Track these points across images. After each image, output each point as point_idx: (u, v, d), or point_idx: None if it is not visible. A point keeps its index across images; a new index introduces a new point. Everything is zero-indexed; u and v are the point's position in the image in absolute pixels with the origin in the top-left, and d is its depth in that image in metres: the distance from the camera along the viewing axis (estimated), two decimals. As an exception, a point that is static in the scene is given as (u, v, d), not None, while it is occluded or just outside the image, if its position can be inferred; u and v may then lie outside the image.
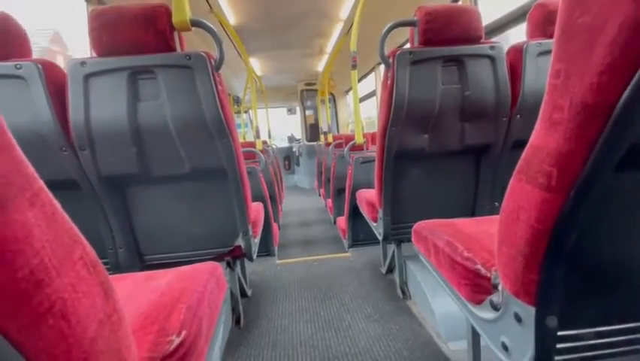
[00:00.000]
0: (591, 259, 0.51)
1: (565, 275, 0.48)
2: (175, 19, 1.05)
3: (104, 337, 0.31)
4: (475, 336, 0.90)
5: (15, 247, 0.23)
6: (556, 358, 0.52)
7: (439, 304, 1.28)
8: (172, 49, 1.07)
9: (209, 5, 2.81)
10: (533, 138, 0.47)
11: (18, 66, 0.97)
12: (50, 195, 0.28)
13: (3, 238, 0.22)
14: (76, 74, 1.02)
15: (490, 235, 0.79)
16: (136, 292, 0.68)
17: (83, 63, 1.02)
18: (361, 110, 5.60)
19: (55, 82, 1.02)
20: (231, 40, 3.54)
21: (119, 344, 0.34)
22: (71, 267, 0.28)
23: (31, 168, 0.26)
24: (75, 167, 1.10)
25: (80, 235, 0.31)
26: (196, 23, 1.08)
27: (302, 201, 4.90)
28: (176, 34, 1.09)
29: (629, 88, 0.35)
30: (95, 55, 1.06)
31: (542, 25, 1.21)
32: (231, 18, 3.30)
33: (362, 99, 5.33)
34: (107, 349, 0.31)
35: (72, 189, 1.14)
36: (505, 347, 0.59)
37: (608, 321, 0.53)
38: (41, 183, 0.27)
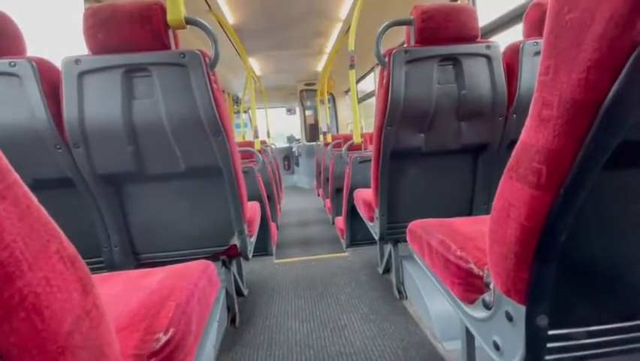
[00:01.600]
0: (581, 258, 0.51)
1: (555, 274, 0.47)
2: (170, 17, 1.05)
3: (82, 332, 0.30)
4: (470, 336, 0.90)
5: None
6: (547, 357, 0.52)
7: (435, 304, 1.28)
8: (167, 47, 1.06)
9: (208, 4, 2.81)
10: (523, 135, 0.47)
11: (12, 64, 0.97)
12: (25, 188, 0.28)
13: None
14: (71, 72, 1.02)
15: (484, 234, 0.78)
16: (127, 289, 0.68)
17: (77, 61, 1.02)
18: (364, 111, 5.62)
19: (49, 79, 1.02)
20: (230, 40, 3.54)
21: (99, 341, 0.34)
22: (46, 261, 0.27)
23: (4, 161, 0.26)
24: (69, 165, 1.10)
25: (58, 229, 0.31)
26: (191, 21, 1.07)
27: (301, 201, 4.90)
28: (171, 32, 1.09)
29: (617, 83, 0.35)
30: (89, 52, 1.06)
31: (539, 25, 1.21)
32: (230, 17, 3.30)
33: (362, 99, 5.34)
34: (85, 345, 0.31)
35: (67, 187, 1.14)
36: (497, 347, 0.59)
37: (599, 320, 0.53)
38: (16, 176, 0.27)
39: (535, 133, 0.44)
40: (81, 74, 1.03)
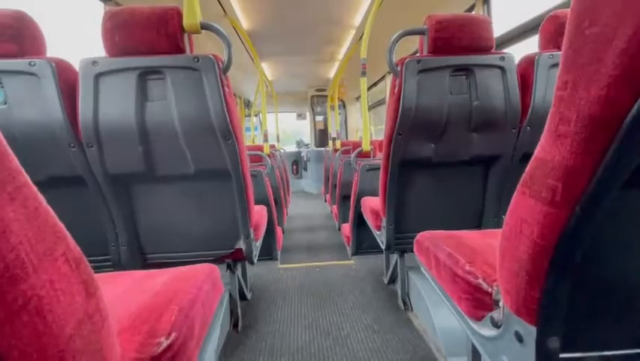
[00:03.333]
0: (596, 278, 0.49)
1: (568, 294, 0.45)
2: (186, 22, 1.06)
3: (84, 336, 0.30)
4: (476, 354, 0.87)
5: None
6: None
7: (441, 318, 1.25)
8: (181, 51, 1.08)
9: (224, 9, 2.85)
10: (538, 150, 0.46)
11: (32, 63, 0.99)
12: (35, 190, 0.28)
13: None
14: (88, 73, 1.04)
15: (494, 249, 0.77)
16: (131, 290, 0.68)
17: (94, 62, 1.04)
18: (376, 117, 5.60)
19: (67, 80, 1.04)
20: (244, 44, 3.59)
21: (100, 344, 0.33)
22: (52, 263, 0.27)
23: (15, 162, 0.26)
24: (82, 164, 1.12)
25: (65, 231, 0.31)
26: (206, 26, 1.09)
27: (308, 207, 4.89)
28: (186, 36, 1.10)
29: (639, 101, 0.34)
30: (106, 54, 1.08)
31: (554, 37, 1.19)
32: (244, 22, 3.35)
33: (372, 106, 5.33)
34: (86, 349, 0.31)
35: (78, 185, 1.16)
36: None
37: (613, 345, 0.50)
38: (26, 177, 0.27)
39: (551, 149, 0.43)
40: (98, 76, 1.05)
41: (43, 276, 0.26)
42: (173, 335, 0.52)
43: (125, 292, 0.67)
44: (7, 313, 0.23)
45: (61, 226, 0.30)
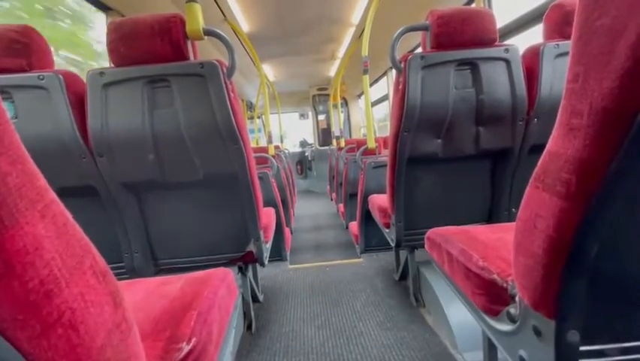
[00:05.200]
0: (615, 270, 0.48)
1: (587, 287, 0.45)
2: (188, 29, 1.07)
3: (113, 346, 0.31)
4: (492, 348, 0.87)
5: (25, 259, 0.23)
6: None
7: (454, 313, 1.25)
8: (186, 57, 1.09)
9: (223, 14, 2.87)
10: (550, 144, 0.46)
11: (41, 77, 1.01)
12: (62, 206, 0.28)
13: (14, 251, 0.22)
14: (95, 84, 1.06)
15: (507, 243, 0.76)
16: (149, 297, 0.69)
17: (101, 73, 1.06)
18: (375, 112, 5.59)
19: (75, 92, 1.06)
20: (244, 48, 3.60)
21: (128, 353, 0.34)
22: (81, 277, 0.28)
23: (43, 180, 0.27)
24: (93, 173, 1.13)
25: (91, 244, 0.32)
26: (209, 32, 1.10)
27: (314, 206, 4.90)
28: (189, 42, 1.11)
29: None
30: (112, 65, 1.09)
31: (559, 27, 1.18)
32: (245, 26, 3.36)
33: (375, 103, 5.32)
34: (116, 357, 0.31)
35: (91, 195, 1.18)
36: None
37: (635, 336, 0.50)
38: (53, 194, 0.28)
39: (564, 142, 0.43)
40: (105, 86, 1.06)
41: (75, 290, 0.27)
42: (193, 340, 0.53)
43: (143, 300, 0.68)
44: (44, 326, 0.24)
45: (87, 239, 0.31)
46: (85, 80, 1.08)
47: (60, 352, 0.25)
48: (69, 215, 0.29)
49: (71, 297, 0.26)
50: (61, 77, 1.02)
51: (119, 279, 0.82)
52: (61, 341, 0.25)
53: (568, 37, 1.20)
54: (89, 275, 0.30)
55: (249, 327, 1.44)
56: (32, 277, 0.23)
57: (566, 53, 1.16)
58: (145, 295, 0.71)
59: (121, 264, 1.29)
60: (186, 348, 0.51)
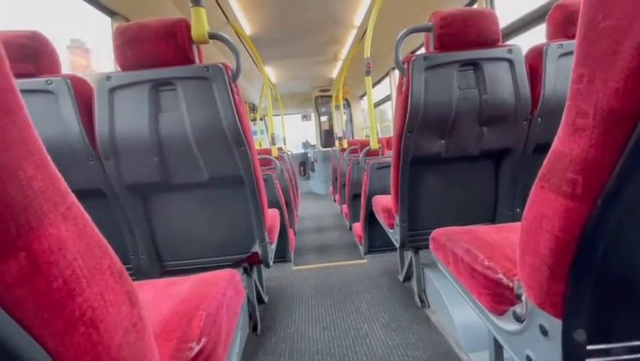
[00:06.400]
0: (621, 269, 0.49)
1: (593, 286, 0.46)
2: (194, 33, 1.09)
3: (130, 344, 0.32)
4: (498, 348, 0.87)
5: (50, 259, 0.24)
6: None
7: (459, 314, 1.25)
8: (191, 61, 1.10)
9: (226, 17, 2.89)
10: (556, 144, 0.46)
11: (49, 82, 1.03)
12: (81, 208, 0.29)
13: (40, 251, 0.23)
14: (102, 88, 1.07)
15: (512, 243, 0.77)
16: (158, 298, 0.70)
17: (108, 77, 1.07)
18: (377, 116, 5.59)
19: (82, 96, 1.07)
20: (247, 50, 3.62)
21: (143, 351, 0.35)
22: (100, 277, 0.29)
23: (64, 184, 0.28)
24: (100, 176, 1.15)
25: (108, 245, 0.33)
26: (214, 36, 1.11)
27: (317, 207, 4.91)
28: (195, 46, 1.13)
29: None
30: (119, 69, 1.11)
31: (563, 27, 1.18)
32: (247, 28, 3.38)
33: (377, 104, 5.32)
34: (132, 356, 0.32)
35: (98, 198, 1.19)
36: None
37: None
38: (73, 197, 0.29)
39: (570, 142, 0.43)
40: (112, 90, 1.08)
41: (95, 289, 0.28)
42: (203, 340, 0.53)
43: (152, 300, 0.69)
44: (67, 324, 0.25)
45: (105, 241, 0.32)
46: (92, 85, 1.09)
47: (82, 350, 0.26)
48: (88, 217, 0.30)
49: (92, 296, 0.27)
50: (69, 81, 1.03)
51: None
52: (83, 339, 0.26)
53: (571, 37, 1.20)
54: (108, 275, 0.30)
55: (254, 328, 1.45)
56: (57, 277, 0.24)
57: (569, 53, 1.16)
58: (154, 295, 0.71)
59: (127, 266, 1.30)
60: (197, 348, 0.51)
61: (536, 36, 1.88)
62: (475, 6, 2.21)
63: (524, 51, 1.25)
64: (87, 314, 0.26)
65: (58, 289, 0.24)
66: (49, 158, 0.27)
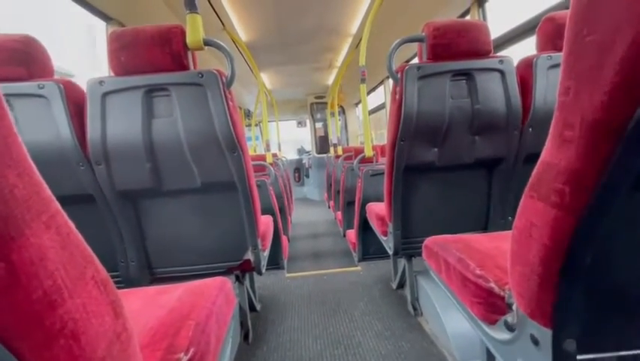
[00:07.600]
0: (610, 279, 0.49)
1: (582, 296, 0.46)
2: (189, 40, 1.09)
3: (114, 356, 0.31)
4: (490, 357, 0.87)
5: (30, 270, 0.23)
6: None
7: (452, 323, 1.25)
8: (186, 67, 1.10)
9: (222, 23, 2.90)
10: (544, 154, 0.47)
11: (41, 86, 1.02)
12: (66, 216, 0.29)
13: (19, 261, 0.23)
14: (95, 93, 1.07)
15: (504, 252, 0.77)
16: (146, 307, 0.69)
17: (101, 82, 1.07)
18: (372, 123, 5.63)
19: (74, 100, 1.06)
20: (243, 56, 3.64)
21: None
22: (83, 287, 0.28)
23: (48, 192, 0.27)
24: (91, 181, 1.13)
25: (93, 254, 0.32)
26: (209, 43, 1.11)
27: (311, 214, 4.90)
28: (190, 52, 1.13)
29: None
30: (112, 74, 1.10)
31: (552, 39, 1.21)
32: (243, 35, 3.40)
33: (372, 111, 5.37)
34: None
35: (87, 203, 1.17)
36: None
37: (632, 345, 0.50)
38: (57, 205, 0.28)
39: (557, 153, 0.44)
40: (105, 95, 1.07)
41: (77, 300, 0.27)
42: (191, 351, 0.52)
43: (140, 309, 0.67)
44: (46, 337, 0.24)
45: (89, 249, 0.32)
46: (85, 89, 1.08)
47: None
48: (72, 225, 0.30)
49: (74, 307, 0.27)
50: (61, 86, 1.02)
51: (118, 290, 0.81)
52: (63, 352, 0.25)
53: (560, 50, 1.22)
54: (91, 285, 0.30)
55: (245, 337, 1.43)
56: (36, 288, 0.24)
57: (558, 65, 1.18)
58: (142, 304, 0.70)
59: (116, 273, 1.27)
60: (185, 358, 0.50)
61: (527, 47, 1.92)
62: (468, 17, 2.25)
63: (515, 62, 1.27)
64: (68, 326, 0.26)
65: (38, 300, 0.24)
66: (33, 165, 0.26)
